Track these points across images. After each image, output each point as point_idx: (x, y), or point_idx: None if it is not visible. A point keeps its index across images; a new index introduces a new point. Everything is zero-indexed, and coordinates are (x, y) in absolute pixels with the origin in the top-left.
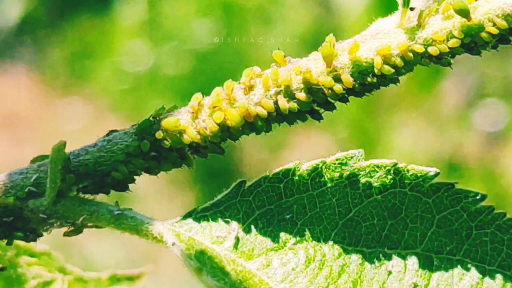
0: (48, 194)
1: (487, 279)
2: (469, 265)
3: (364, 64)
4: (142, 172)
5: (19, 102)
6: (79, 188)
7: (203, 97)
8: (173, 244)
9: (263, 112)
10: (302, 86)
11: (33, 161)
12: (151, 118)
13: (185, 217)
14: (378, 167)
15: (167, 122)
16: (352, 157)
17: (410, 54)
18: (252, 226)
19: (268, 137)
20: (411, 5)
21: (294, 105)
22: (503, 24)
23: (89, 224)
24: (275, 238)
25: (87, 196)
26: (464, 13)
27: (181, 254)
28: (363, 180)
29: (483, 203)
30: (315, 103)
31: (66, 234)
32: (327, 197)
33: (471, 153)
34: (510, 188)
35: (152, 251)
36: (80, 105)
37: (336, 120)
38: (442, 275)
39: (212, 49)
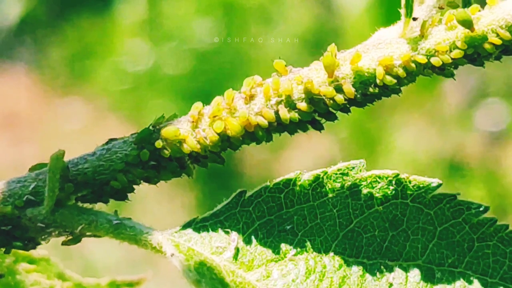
0: (46, 203)
1: None
2: (471, 278)
3: (366, 74)
4: (141, 181)
5: (19, 102)
6: (78, 197)
7: (203, 106)
8: (172, 255)
9: (263, 122)
10: (303, 96)
11: (32, 169)
12: (150, 127)
13: (185, 227)
14: (379, 177)
15: (167, 131)
16: (353, 167)
17: (413, 65)
18: (252, 237)
19: None
20: (413, 15)
21: (295, 115)
22: (507, 35)
23: (88, 233)
24: (275, 249)
25: (86, 205)
26: (467, 24)
27: (180, 265)
28: (364, 190)
29: (486, 215)
30: (316, 113)
31: (64, 243)
32: (328, 208)
33: (473, 153)
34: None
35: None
36: (80, 105)
37: (337, 121)
38: (443, 287)
39: (212, 49)
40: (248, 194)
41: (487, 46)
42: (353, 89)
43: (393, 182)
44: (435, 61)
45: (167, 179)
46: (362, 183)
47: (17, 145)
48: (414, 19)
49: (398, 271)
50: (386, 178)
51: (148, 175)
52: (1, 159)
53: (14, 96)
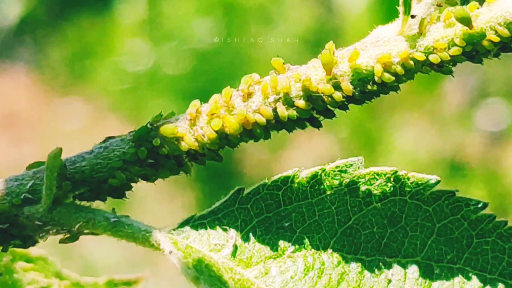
0: (43, 201)
1: None
2: (470, 274)
3: (364, 71)
4: (139, 179)
5: (19, 102)
6: (75, 195)
7: (201, 104)
8: (170, 252)
9: (261, 120)
10: (301, 93)
11: (29, 167)
12: (148, 125)
13: (183, 224)
14: (378, 174)
15: (165, 129)
16: (351, 165)
17: (411, 62)
18: (251, 234)
19: None
20: (412, 13)
21: (293, 112)
22: (505, 32)
23: (85, 231)
24: (273, 246)
25: (84, 203)
26: (465, 21)
27: (179, 262)
28: (363, 187)
29: (484, 211)
30: (314, 111)
31: (62, 241)
32: (326, 205)
33: (474, 153)
34: None
35: (152, 251)
36: (80, 105)
37: (337, 120)
38: (442, 283)
39: (212, 49)
40: (246, 191)
41: (485, 43)
42: (351, 87)
43: (392, 179)
44: (434, 58)
45: (165, 177)
46: (361, 180)
47: (17, 145)
48: (412, 16)
49: (396, 268)
50: (385, 175)
51: (146, 173)
52: (1, 159)
53: (14, 96)
